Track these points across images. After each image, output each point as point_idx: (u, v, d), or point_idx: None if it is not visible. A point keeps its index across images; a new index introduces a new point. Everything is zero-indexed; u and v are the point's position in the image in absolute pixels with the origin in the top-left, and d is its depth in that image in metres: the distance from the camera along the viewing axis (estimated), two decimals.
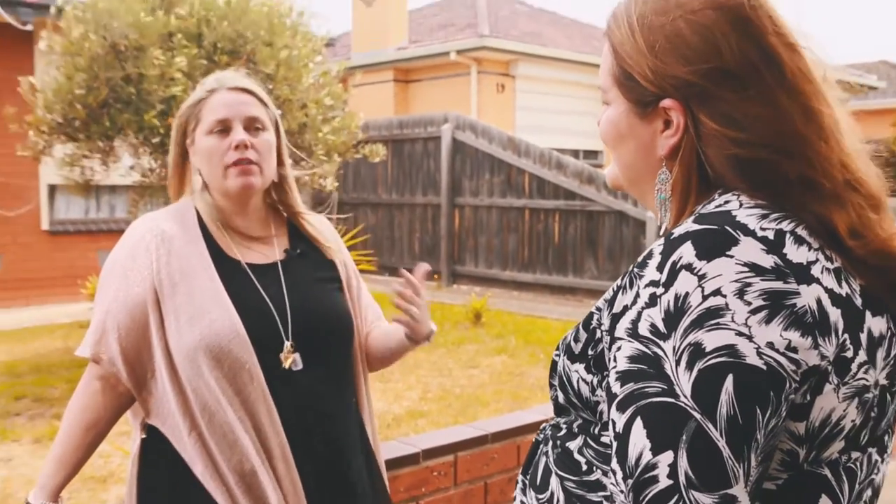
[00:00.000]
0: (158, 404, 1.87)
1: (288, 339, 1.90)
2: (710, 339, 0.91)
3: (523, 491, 1.27)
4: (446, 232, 13.20)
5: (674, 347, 0.93)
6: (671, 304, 0.94)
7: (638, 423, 0.93)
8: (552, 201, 11.99)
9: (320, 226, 2.12)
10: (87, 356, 1.89)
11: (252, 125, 1.94)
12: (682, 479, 0.89)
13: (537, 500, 1.22)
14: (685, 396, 0.91)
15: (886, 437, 1.08)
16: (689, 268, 0.95)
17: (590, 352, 1.13)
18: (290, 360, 1.89)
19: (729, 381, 0.90)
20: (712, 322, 0.92)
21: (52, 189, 10.97)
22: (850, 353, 0.97)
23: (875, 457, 1.06)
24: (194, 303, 1.84)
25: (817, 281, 0.96)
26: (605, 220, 11.43)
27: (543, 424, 1.32)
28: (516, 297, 12.14)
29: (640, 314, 0.97)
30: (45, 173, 9.99)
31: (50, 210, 11.27)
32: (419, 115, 14.11)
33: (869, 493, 1.08)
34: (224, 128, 1.91)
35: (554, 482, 1.19)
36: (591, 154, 18.35)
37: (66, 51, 6.74)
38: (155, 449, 1.91)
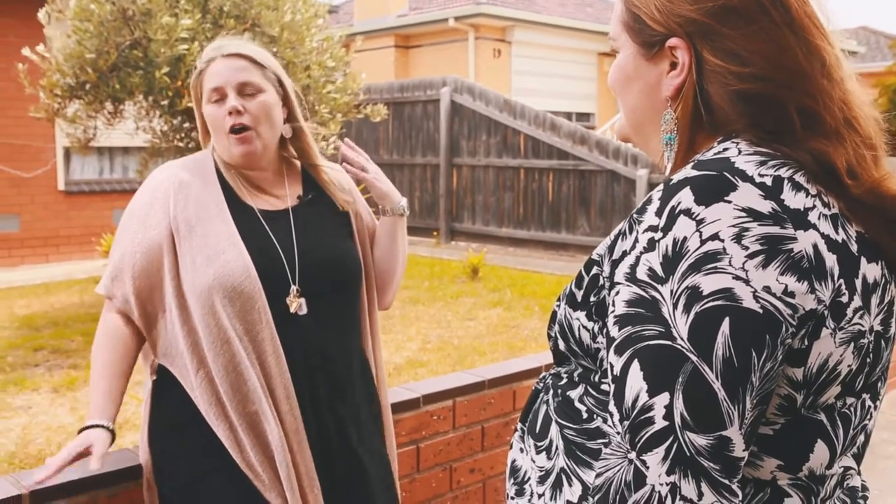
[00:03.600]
0: (167, 343, 1.87)
1: (294, 284, 1.89)
2: (708, 283, 0.88)
3: (521, 438, 1.23)
4: (445, 191, 13.14)
5: (671, 291, 0.90)
6: (669, 248, 0.91)
7: (635, 365, 0.91)
8: (546, 161, 11.94)
9: (337, 175, 2.10)
10: (102, 293, 1.90)
11: (244, 90, 1.92)
12: (677, 420, 0.87)
13: (536, 447, 1.18)
14: (682, 339, 0.88)
15: (879, 384, 1.06)
16: (687, 212, 0.91)
17: (591, 298, 1.09)
18: (296, 304, 1.88)
19: (725, 324, 0.87)
20: (710, 266, 0.88)
21: (68, 151, 10.88)
22: (845, 298, 0.94)
23: (868, 403, 1.04)
24: (210, 244, 1.84)
25: (814, 227, 0.93)
26: (597, 179, 11.39)
27: (543, 374, 1.28)
28: (512, 252, 12.12)
29: (638, 259, 0.94)
30: (61, 136, 9.90)
31: (66, 171, 11.20)
32: (419, 78, 13.98)
33: (862, 438, 1.06)
34: (220, 96, 1.91)
35: (553, 430, 1.16)
36: (583, 116, 18.28)
37: (75, 16, 6.62)
38: (165, 390, 1.91)
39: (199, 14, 6.56)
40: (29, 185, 10.76)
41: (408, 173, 13.77)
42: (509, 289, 9.12)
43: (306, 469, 1.84)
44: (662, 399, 0.88)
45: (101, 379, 1.85)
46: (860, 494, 1.10)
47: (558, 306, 1.17)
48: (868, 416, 1.04)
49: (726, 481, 0.87)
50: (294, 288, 1.88)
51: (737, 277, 0.87)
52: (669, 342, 0.88)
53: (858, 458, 1.07)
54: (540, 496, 1.14)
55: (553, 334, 1.19)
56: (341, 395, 1.95)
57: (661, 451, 0.87)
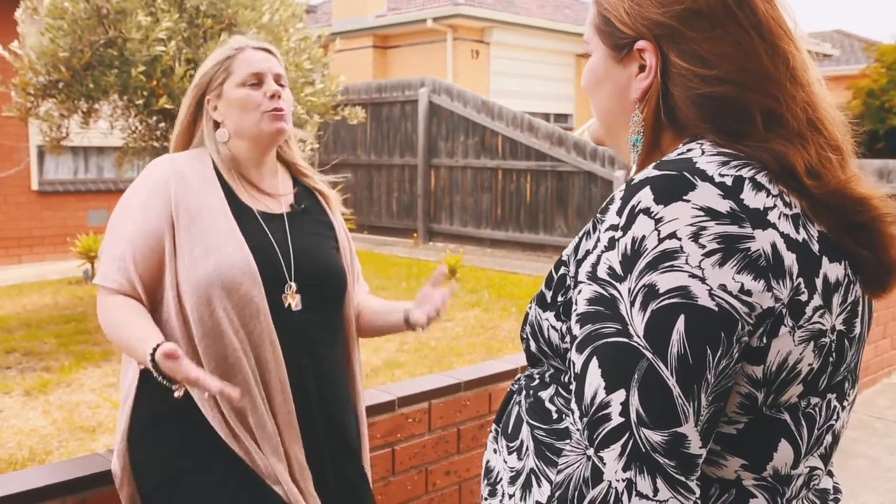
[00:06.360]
0: (164, 330, 1.84)
1: (291, 280, 1.93)
2: (664, 281, 0.90)
3: (495, 439, 1.24)
4: (423, 191, 13.13)
5: (629, 289, 0.91)
6: (628, 246, 0.93)
7: (594, 362, 0.92)
8: (524, 162, 11.96)
9: (321, 182, 2.17)
10: (103, 284, 1.85)
11: (279, 80, 2.02)
12: (633, 416, 0.88)
13: (508, 448, 1.19)
14: (638, 336, 0.90)
15: (846, 384, 1.06)
16: (646, 212, 0.93)
17: (559, 298, 1.11)
18: (295, 299, 1.93)
19: (680, 322, 0.88)
20: (666, 264, 0.90)
21: (42, 150, 10.77)
22: (804, 297, 0.95)
23: (834, 403, 1.04)
24: (210, 235, 1.86)
25: (773, 226, 0.94)
26: (575, 180, 11.42)
27: (518, 375, 1.29)
28: (489, 253, 12.13)
29: (599, 258, 0.96)
30: (34, 135, 9.79)
31: (39, 171, 11.08)
32: (397, 79, 13.96)
33: (829, 438, 1.06)
34: (258, 81, 1.98)
35: (525, 431, 1.17)
36: (561, 117, 18.34)
37: (49, 14, 6.56)
38: (151, 379, 1.81)
39: (176, 14, 6.50)
40: (2, 185, 10.64)
41: (385, 174, 13.75)
42: (487, 290, 9.14)
43: (298, 462, 1.88)
44: (619, 396, 0.89)
45: (131, 324, 1.79)
46: (831, 497, 1.11)
47: (530, 308, 1.19)
48: (834, 417, 1.05)
49: (682, 478, 0.88)
50: (291, 283, 1.93)
51: (693, 276, 0.89)
52: (626, 339, 0.90)
53: (826, 458, 1.07)
54: (510, 496, 1.15)
55: (525, 335, 1.20)
56: (328, 394, 1.98)
57: (617, 447, 0.89)
